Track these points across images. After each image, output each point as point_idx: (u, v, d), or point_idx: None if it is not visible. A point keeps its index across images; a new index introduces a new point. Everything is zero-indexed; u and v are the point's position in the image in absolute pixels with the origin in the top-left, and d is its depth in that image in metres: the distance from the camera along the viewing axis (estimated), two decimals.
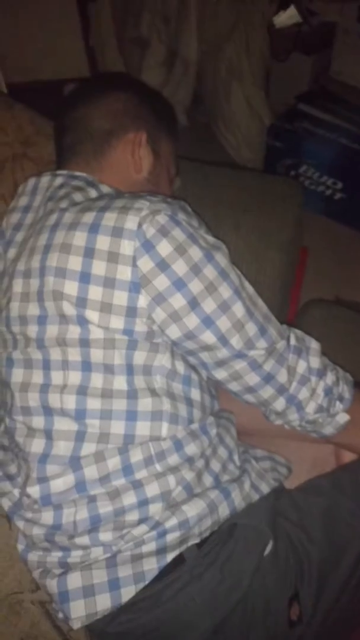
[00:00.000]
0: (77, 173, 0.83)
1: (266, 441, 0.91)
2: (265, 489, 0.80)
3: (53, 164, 0.95)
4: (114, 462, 0.70)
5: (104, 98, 0.88)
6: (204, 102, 2.20)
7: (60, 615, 0.70)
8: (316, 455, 0.94)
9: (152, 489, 0.70)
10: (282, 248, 1.02)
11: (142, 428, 0.71)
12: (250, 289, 0.76)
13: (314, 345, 0.80)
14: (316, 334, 1.11)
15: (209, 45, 1.97)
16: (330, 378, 0.78)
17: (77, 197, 0.77)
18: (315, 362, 0.77)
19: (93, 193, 0.79)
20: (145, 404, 0.71)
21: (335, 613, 0.75)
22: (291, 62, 2.08)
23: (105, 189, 0.81)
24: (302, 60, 2.10)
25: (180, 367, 0.74)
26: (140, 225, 0.68)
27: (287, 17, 1.80)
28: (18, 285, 0.74)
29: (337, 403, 0.78)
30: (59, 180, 0.82)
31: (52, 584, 0.69)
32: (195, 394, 0.76)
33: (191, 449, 0.74)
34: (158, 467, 0.71)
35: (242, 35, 1.87)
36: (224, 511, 0.74)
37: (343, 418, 0.79)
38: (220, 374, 0.75)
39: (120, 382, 0.70)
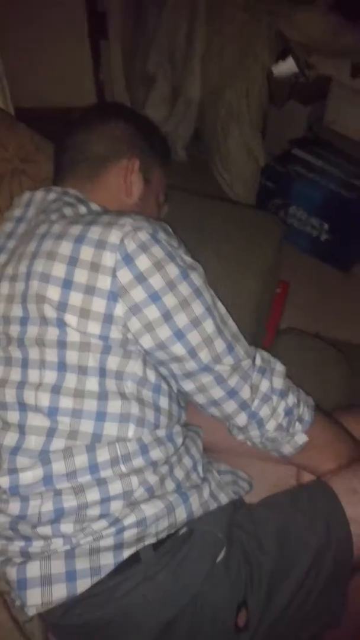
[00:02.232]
0: (71, 190, 0.89)
1: (231, 460, 0.95)
2: (223, 499, 0.83)
3: (49, 181, 1.01)
4: (81, 460, 0.74)
5: (103, 125, 0.95)
6: (203, 139, 2.30)
7: (17, 602, 0.73)
8: (278, 476, 0.98)
9: (115, 488, 0.74)
10: (259, 276, 1.08)
11: (110, 428, 0.75)
12: (222, 309, 0.81)
13: (279, 367, 0.84)
14: (287, 360, 1.17)
15: (211, 87, 2.08)
16: (291, 399, 0.82)
17: (67, 211, 0.83)
18: (279, 383, 0.82)
19: (83, 209, 0.85)
20: (114, 406, 0.75)
21: (282, 623, 0.78)
22: (288, 110, 2.19)
23: (94, 206, 0.87)
24: (298, 109, 2.21)
25: (152, 375, 0.79)
26: (122, 240, 0.74)
27: (285, 67, 1.91)
28: (4, 288, 0.79)
29: (297, 424, 0.83)
30: (52, 195, 0.88)
31: (11, 572, 0.72)
32: (164, 402, 0.80)
33: (156, 454, 0.78)
34: (123, 468, 0.75)
35: (243, 80, 1.97)
36: (180, 514, 0.77)
37: (302, 439, 0.84)
38: (188, 386, 0.80)
39: (92, 384, 0.74)
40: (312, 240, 2.09)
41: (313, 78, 2.04)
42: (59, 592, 0.71)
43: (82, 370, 0.74)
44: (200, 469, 0.85)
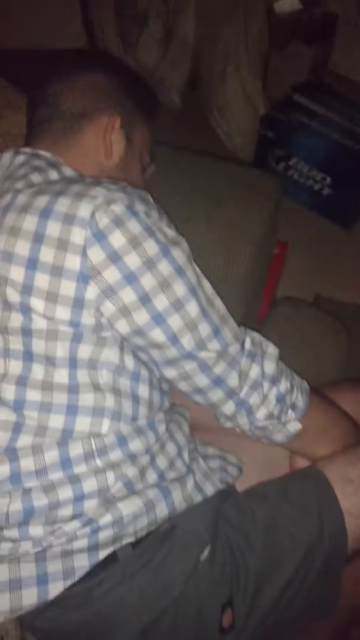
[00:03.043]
0: (42, 152, 0.80)
1: (221, 438, 0.90)
2: (209, 490, 0.78)
3: (22, 138, 0.91)
4: (52, 455, 0.68)
5: (80, 76, 0.85)
6: (199, 86, 2.15)
7: None
8: (269, 458, 0.92)
9: (89, 485, 0.69)
10: (253, 243, 0.99)
11: (82, 423, 0.69)
12: (208, 288, 0.73)
13: (271, 350, 0.78)
14: (282, 332, 1.10)
15: (207, 28, 1.92)
16: (284, 385, 0.76)
17: (36, 178, 0.74)
18: (270, 367, 0.75)
19: (54, 175, 0.76)
20: (86, 399, 0.69)
21: (269, 622, 0.74)
22: (291, 52, 2.04)
23: (67, 171, 0.78)
24: (302, 50, 2.06)
25: (130, 362, 0.72)
26: (93, 213, 0.66)
27: (288, 3, 1.76)
28: None
29: (290, 411, 0.77)
30: (20, 159, 0.79)
31: None
32: (144, 391, 0.73)
33: (136, 445, 0.72)
34: (99, 463, 0.70)
35: (241, 19, 1.82)
36: (161, 511, 0.72)
37: (295, 427, 0.78)
38: (170, 373, 0.73)
39: (61, 376, 0.68)
40: (313, 194, 1.98)
41: (318, 15, 1.89)
42: (29, 598, 0.66)
43: (50, 361, 0.67)
44: (185, 455, 0.79)
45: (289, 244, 1.67)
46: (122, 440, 0.71)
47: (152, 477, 0.74)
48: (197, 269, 0.73)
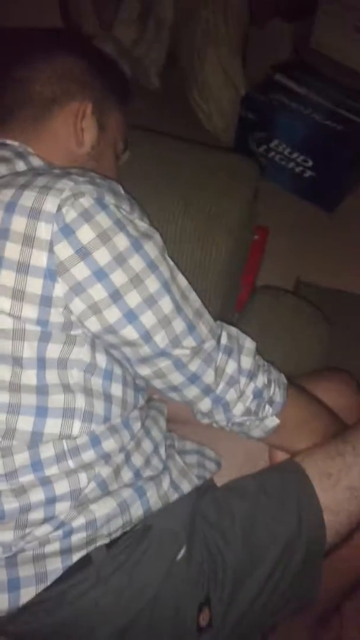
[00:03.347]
0: (8, 141, 0.77)
1: (199, 431, 0.88)
2: (186, 487, 0.77)
3: None
4: (22, 458, 0.66)
5: (50, 60, 0.81)
6: (178, 65, 2.10)
7: None
8: (249, 450, 0.91)
9: (61, 487, 0.67)
10: (230, 231, 0.97)
11: (52, 425, 0.66)
12: (183, 282, 0.71)
13: (248, 344, 0.76)
14: (262, 322, 1.09)
15: (185, 5, 1.87)
16: (261, 380, 0.74)
17: (1, 169, 0.71)
18: (247, 362, 0.74)
19: (21, 165, 0.73)
20: (56, 400, 0.66)
21: (248, 619, 0.74)
22: (272, 29, 1.99)
23: (36, 161, 0.75)
24: (283, 28, 2.01)
25: (102, 360, 0.70)
26: (60, 207, 0.63)
27: None
28: None
29: (267, 406, 0.75)
30: None
31: None
32: (117, 390, 0.71)
33: (109, 444, 0.70)
34: (71, 464, 0.68)
35: None
36: (136, 511, 0.71)
37: (272, 422, 0.77)
38: (144, 371, 0.71)
39: (29, 377, 0.65)
40: (295, 177, 1.95)
41: None
42: (0, 604, 0.64)
43: (17, 362, 0.65)
44: (162, 451, 0.78)
45: (270, 229, 1.65)
46: (95, 440, 0.69)
47: (127, 475, 0.72)
48: (171, 263, 0.70)
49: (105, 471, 0.69)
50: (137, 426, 0.75)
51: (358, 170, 1.93)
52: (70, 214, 0.63)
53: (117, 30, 2.01)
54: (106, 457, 0.70)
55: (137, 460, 0.74)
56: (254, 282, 1.44)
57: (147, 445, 0.76)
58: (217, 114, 2.01)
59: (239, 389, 0.73)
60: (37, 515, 0.66)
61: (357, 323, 1.64)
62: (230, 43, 1.87)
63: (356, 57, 1.90)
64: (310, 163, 1.88)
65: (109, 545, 0.69)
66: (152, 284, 0.66)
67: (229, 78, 1.93)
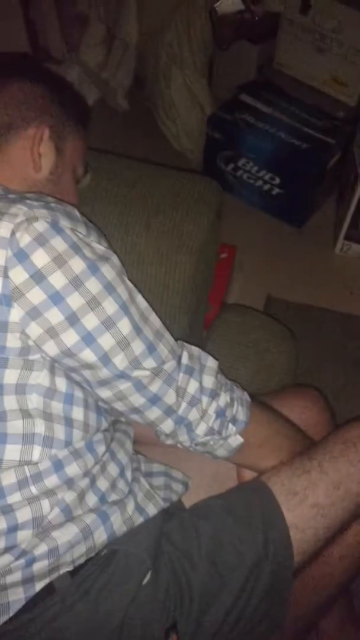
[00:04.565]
0: None
1: (169, 452, 0.88)
2: (152, 510, 0.76)
3: None
4: None
5: (6, 86, 0.81)
6: (145, 87, 2.12)
7: None
8: (217, 470, 0.91)
9: (23, 515, 0.66)
10: (193, 252, 0.97)
11: (11, 451, 0.65)
12: (142, 303, 0.71)
13: (210, 363, 0.76)
14: (229, 339, 1.09)
15: (149, 28, 1.89)
16: (223, 399, 0.74)
17: None
18: (209, 381, 0.74)
19: None
20: (15, 426, 0.65)
21: None
22: (237, 51, 2.03)
23: None
24: (247, 49, 2.05)
25: (62, 385, 0.69)
26: (13, 232, 0.63)
27: (230, 3, 1.74)
28: None
29: (230, 425, 0.75)
30: None
31: None
32: (78, 414, 0.71)
33: (73, 469, 0.69)
34: (33, 490, 0.66)
35: (184, 19, 1.80)
36: (100, 536, 0.70)
37: (236, 441, 0.76)
38: (105, 393, 0.70)
39: None
40: (263, 195, 1.98)
41: (261, 14, 1.88)
42: None
43: None
44: (128, 474, 0.77)
45: (241, 246, 1.67)
46: (58, 465, 0.68)
47: (92, 500, 0.71)
48: (130, 284, 0.71)
49: (69, 496, 0.69)
50: (101, 449, 0.74)
51: (325, 187, 1.96)
52: (24, 239, 0.63)
53: (83, 54, 2.03)
54: (69, 482, 0.69)
55: (103, 484, 0.73)
56: (223, 300, 1.45)
57: (113, 469, 0.75)
58: (184, 134, 2.03)
59: (201, 408, 0.73)
60: None
61: (327, 338, 1.66)
62: (194, 64, 1.89)
63: (318, 76, 1.94)
64: (277, 180, 1.91)
65: (73, 573, 0.68)
66: (110, 306, 0.66)
67: (195, 98, 1.96)
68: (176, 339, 0.75)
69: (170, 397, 0.71)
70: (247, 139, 1.89)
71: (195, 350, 0.76)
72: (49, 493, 0.67)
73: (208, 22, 1.80)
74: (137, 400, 0.70)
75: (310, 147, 1.85)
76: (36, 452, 0.66)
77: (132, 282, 0.71)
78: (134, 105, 2.20)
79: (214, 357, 0.78)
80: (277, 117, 1.91)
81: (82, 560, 0.69)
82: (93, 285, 0.65)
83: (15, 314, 0.63)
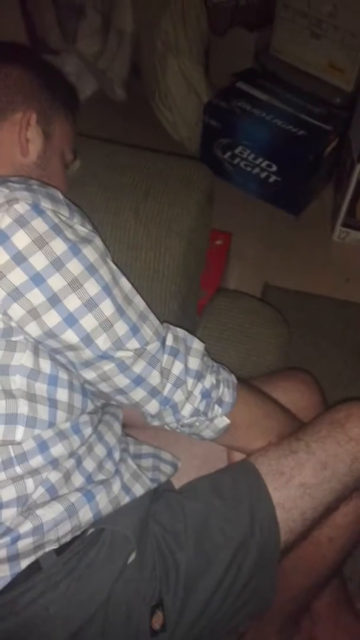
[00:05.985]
0: None
1: (159, 435, 0.89)
2: (138, 490, 0.77)
3: None
4: None
5: None
6: (141, 76, 2.12)
7: None
8: (208, 452, 0.91)
9: (8, 494, 0.66)
10: (182, 236, 0.97)
11: None
12: (126, 285, 0.71)
13: (196, 345, 0.76)
14: (220, 324, 1.09)
15: (145, 17, 1.89)
16: (209, 381, 0.75)
17: None
18: (194, 363, 0.74)
19: None
20: None
21: (203, 621, 0.73)
22: (233, 37, 2.02)
23: None
24: (244, 35, 2.04)
25: (46, 366, 0.70)
26: None
27: None
28: None
29: (216, 407, 0.75)
30: None
31: None
32: (62, 395, 0.71)
33: (58, 449, 0.70)
34: (18, 470, 0.67)
35: (179, 7, 1.79)
36: (85, 515, 0.70)
37: (222, 422, 0.77)
38: (89, 374, 0.71)
39: None
40: (260, 182, 1.97)
41: (257, 0, 1.87)
42: None
43: None
44: (116, 455, 0.78)
45: (239, 233, 1.67)
46: (42, 446, 0.69)
47: (78, 480, 0.72)
48: (113, 266, 0.71)
49: (54, 476, 0.69)
50: (88, 431, 0.75)
51: (322, 173, 1.95)
52: (4, 220, 0.63)
53: (80, 44, 2.03)
54: (54, 463, 0.70)
55: (89, 465, 0.74)
56: (219, 287, 1.45)
57: (100, 450, 0.76)
58: (181, 122, 2.02)
59: (187, 389, 0.73)
60: None
61: (323, 324, 1.66)
62: (190, 52, 1.89)
63: (314, 62, 1.93)
64: (274, 168, 1.90)
65: (58, 551, 0.68)
66: (92, 288, 0.67)
67: (191, 87, 1.95)
68: (162, 322, 0.75)
69: (154, 378, 0.71)
70: (244, 126, 1.89)
71: (181, 332, 0.76)
72: (34, 472, 0.68)
73: (203, 9, 1.80)
74: (121, 381, 0.70)
75: (307, 134, 1.84)
76: (19, 432, 0.67)
77: (121, 266, 0.71)
78: (131, 95, 2.20)
79: (204, 341, 0.78)
80: (273, 104, 1.91)
81: (67, 538, 0.69)
82: (74, 267, 0.66)
83: None
